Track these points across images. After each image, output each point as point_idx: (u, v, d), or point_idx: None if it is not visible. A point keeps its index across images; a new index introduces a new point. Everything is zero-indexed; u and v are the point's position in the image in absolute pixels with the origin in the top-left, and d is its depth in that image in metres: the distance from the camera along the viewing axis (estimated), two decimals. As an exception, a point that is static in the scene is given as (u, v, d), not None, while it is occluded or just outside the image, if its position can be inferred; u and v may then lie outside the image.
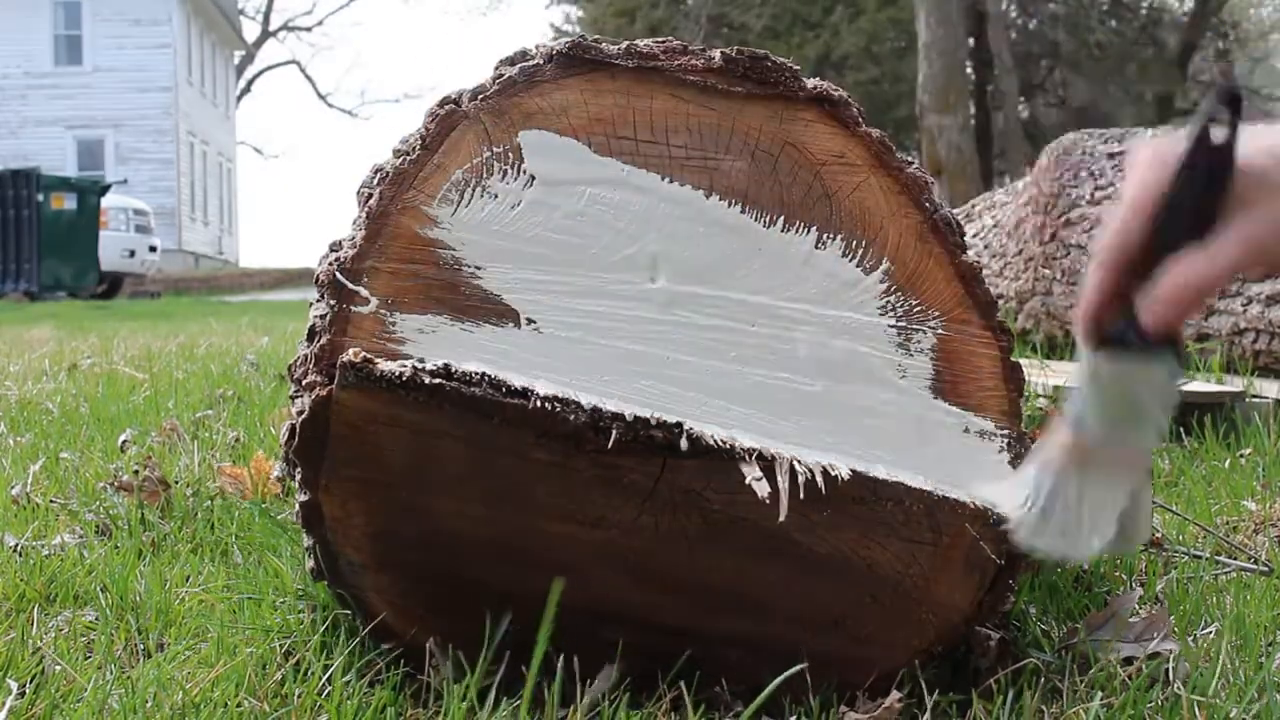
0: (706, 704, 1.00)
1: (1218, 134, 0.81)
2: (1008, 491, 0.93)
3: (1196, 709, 0.99)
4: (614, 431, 0.97)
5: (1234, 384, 2.78)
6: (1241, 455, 2.22)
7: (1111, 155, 3.70)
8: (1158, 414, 0.88)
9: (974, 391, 1.09)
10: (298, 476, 1.00)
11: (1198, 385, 2.64)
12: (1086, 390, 0.87)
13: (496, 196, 1.04)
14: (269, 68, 44.04)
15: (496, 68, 1.11)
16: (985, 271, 1.18)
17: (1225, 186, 0.81)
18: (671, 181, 1.06)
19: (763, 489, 0.99)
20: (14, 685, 1.04)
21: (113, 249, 15.62)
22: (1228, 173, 0.81)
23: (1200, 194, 0.82)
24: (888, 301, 1.08)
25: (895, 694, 0.99)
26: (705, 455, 0.99)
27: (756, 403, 1.04)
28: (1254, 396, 2.58)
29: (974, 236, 4.35)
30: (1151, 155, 0.84)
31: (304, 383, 1.01)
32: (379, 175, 1.07)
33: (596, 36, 1.11)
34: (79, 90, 26.41)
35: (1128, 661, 1.09)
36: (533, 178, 1.04)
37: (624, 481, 0.99)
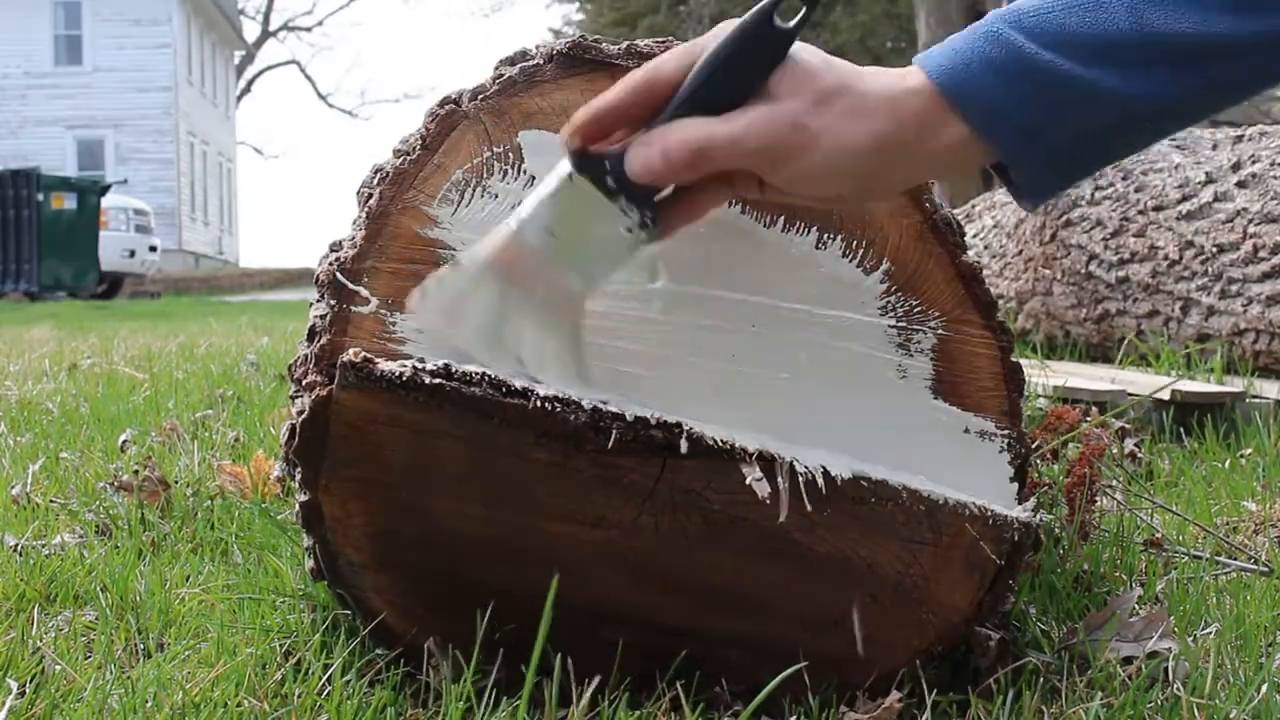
0: (706, 704, 1.00)
1: (785, 21, 0.81)
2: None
3: (1196, 710, 0.99)
4: (614, 431, 0.97)
5: (1234, 384, 2.78)
6: (1241, 455, 2.22)
7: (1111, 155, 3.69)
8: (602, 260, 0.87)
9: (974, 392, 1.09)
10: (298, 476, 1.01)
11: (1198, 385, 2.64)
12: (548, 198, 0.85)
13: (497, 196, 1.04)
14: (269, 68, 44.04)
15: (496, 68, 1.11)
16: (985, 271, 1.18)
17: (768, 72, 0.81)
18: (671, 181, 1.06)
19: (763, 489, 0.99)
20: (14, 685, 1.04)
21: (113, 249, 15.63)
22: (779, 57, 0.81)
23: (746, 67, 0.81)
24: (888, 302, 1.08)
25: (895, 694, 0.99)
26: (705, 455, 0.99)
27: (757, 403, 1.04)
28: (1254, 397, 2.58)
29: (974, 236, 4.35)
30: (723, 24, 0.84)
31: (304, 383, 1.01)
32: (379, 175, 1.07)
33: (596, 36, 1.11)
34: (79, 90, 26.44)
35: (1127, 661, 1.09)
36: (533, 178, 1.04)
37: (624, 481, 0.99)
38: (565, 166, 0.86)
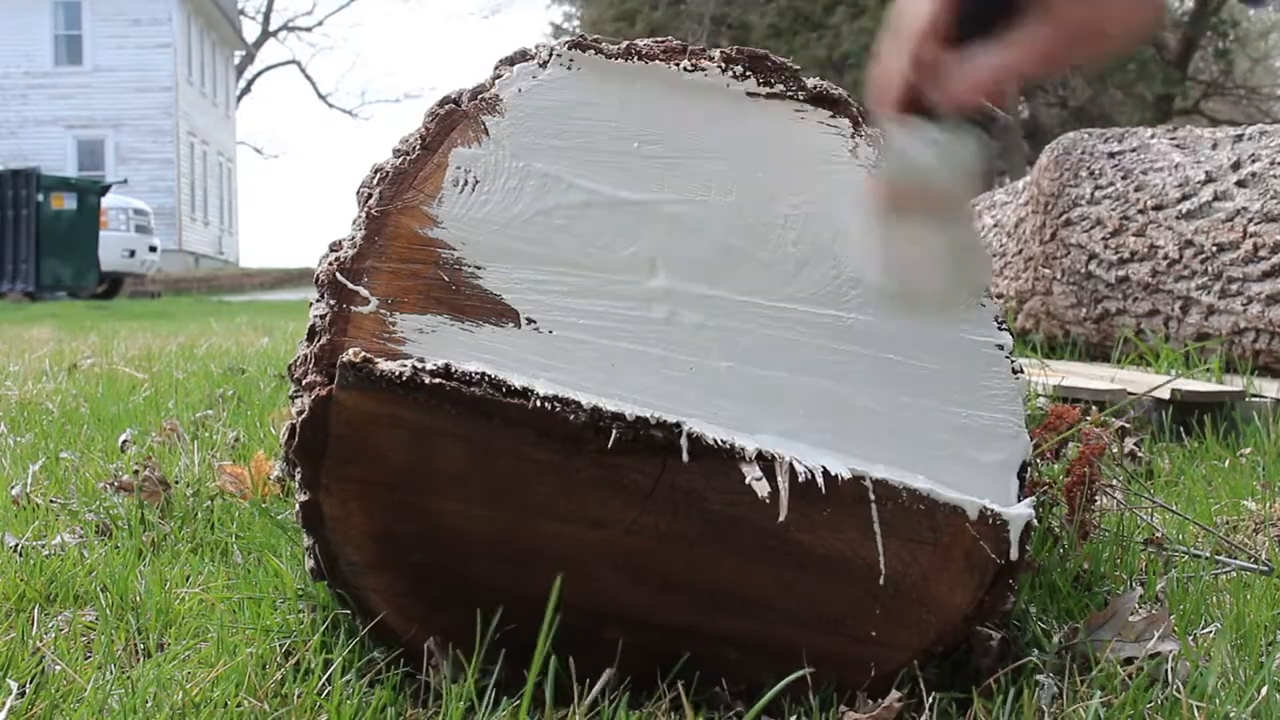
0: (706, 704, 1.00)
1: None
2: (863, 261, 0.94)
3: (1196, 711, 0.98)
4: (614, 431, 0.97)
5: (1234, 384, 2.78)
6: (1241, 455, 2.22)
7: (1111, 155, 3.70)
8: (959, 172, 0.88)
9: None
10: (298, 476, 1.00)
11: (1198, 385, 2.64)
12: (890, 148, 0.88)
13: (496, 195, 1.04)
14: (269, 68, 44.04)
15: (496, 67, 1.11)
16: (985, 271, 1.17)
17: None
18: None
19: (763, 489, 0.99)
20: (14, 685, 1.04)
21: (113, 249, 15.62)
22: None
23: None
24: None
25: (895, 694, 0.99)
26: (705, 455, 0.99)
27: (756, 402, 1.04)
28: (1254, 396, 2.58)
29: (974, 236, 4.34)
30: None
31: (304, 383, 1.01)
32: (379, 175, 1.07)
33: (596, 36, 1.11)
34: (79, 90, 26.42)
35: (1128, 661, 1.09)
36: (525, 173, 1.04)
37: (624, 481, 0.99)
38: (891, 119, 0.87)
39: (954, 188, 0.89)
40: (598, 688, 0.97)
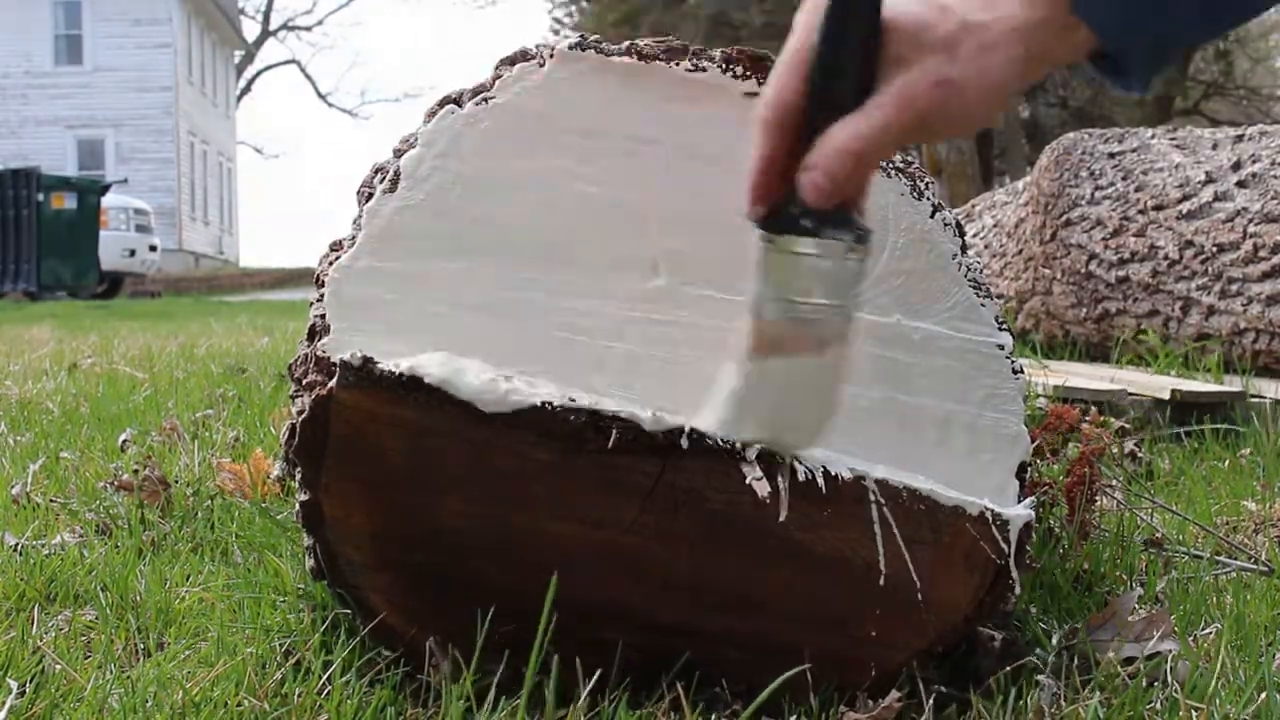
0: (706, 704, 1.00)
1: None
2: (710, 405, 0.90)
3: (1195, 713, 0.98)
4: (614, 431, 0.97)
5: (1234, 384, 2.78)
6: (1241, 455, 2.22)
7: (1111, 155, 3.70)
8: (842, 298, 0.83)
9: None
10: (298, 476, 1.00)
11: (1198, 385, 2.64)
12: (762, 271, 0.83)
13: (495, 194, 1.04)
14: (269, 67, 44.07)
15: (497, 67, 1.11)
16: (985, 271, 1.17)
17: (878, 41, 0.77)
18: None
19: (763, 489, 0.99)
20: (14, 685, 1.04)
21: (113, 248, 15.63)
22: (876, 22, 0.77)
23: (853, 49, 0.77)
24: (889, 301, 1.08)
25: (895, 694, 0.99)
26: (705, 455, 0.99)
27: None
28: (1254, 396, 2.59)
29: (974, 236, 4.35)
30: (808, 6, 0.80)
31: (304, 382, 1.01)
32: (379, 175, 1.07)
33: (597, 36, 1.11)
34: (79, 90, 26.42)
35: (1128, 661, 1.09)
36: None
37: (624, 481, 0.99)
38: (759, 236, 0.83)
39: (831, 321, 0.84)
40: (586, 689, 0.97)
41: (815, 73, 0.79)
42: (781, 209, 0.81)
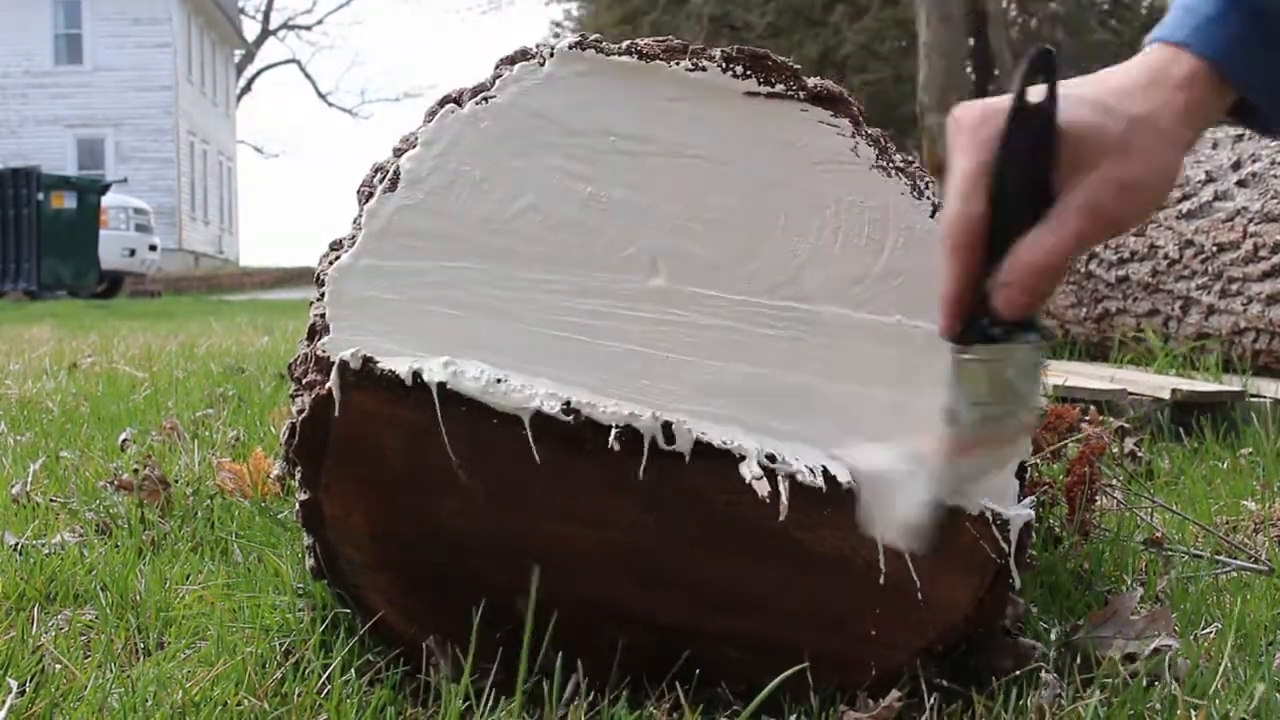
0: (706, 704, 1.00)
1: (1035, 95, 0.78)
2: (881, 474, 0.92)
3: (1194, 712, 0.98)
4: (614, 431, 0.97)
5: (1234, 384, 2.78)
6: (1241, 455, 2.22)
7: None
8: (1029, 394, 0.86)
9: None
10: (298, 475, 1.00)
11: (1198, 385, 2.64)
12: (955, 380, 0.85)
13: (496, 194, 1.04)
14: (269, 66, 44.07)
15: (497, 67, 1.11)
16: (985, 271, 1.17)
17: (1053, 151, 0.78)
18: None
19: (763, 488, 0.99)
20: (14, 684, 1.04)
21: (113, 248, 15.62)
22: (1052, 131, 0.78)
23: (1031, 162, 0.79)
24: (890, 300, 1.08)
25: (895, 693, 0.99)
26: (706, 455, 0.99)
27: (757, 402, 1.04)
28: (1254, 396, 2.58)
29: (974, 236, 4.34)
30: (974, 122, 0.81)
31: (304, 382, 1.01)
32: (379, 174, 1.07)
33: (597, 35, 1.11)
34: (79, 89, 26.42)
35: (1128, 659, 1.09)
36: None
37: (624, 481, 0.99)
38: (951, 349, 0.86)
39: (1021, 413, 0.86)
40: (569, 688, 0.97)
41: (999, 191, 0.80)
42: (972, 322, 0.83)
